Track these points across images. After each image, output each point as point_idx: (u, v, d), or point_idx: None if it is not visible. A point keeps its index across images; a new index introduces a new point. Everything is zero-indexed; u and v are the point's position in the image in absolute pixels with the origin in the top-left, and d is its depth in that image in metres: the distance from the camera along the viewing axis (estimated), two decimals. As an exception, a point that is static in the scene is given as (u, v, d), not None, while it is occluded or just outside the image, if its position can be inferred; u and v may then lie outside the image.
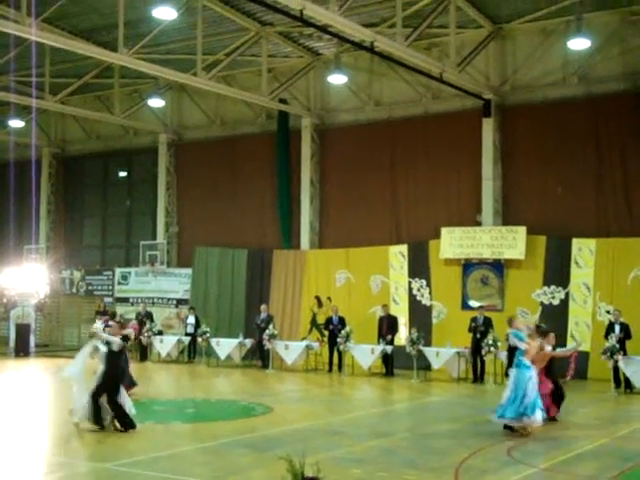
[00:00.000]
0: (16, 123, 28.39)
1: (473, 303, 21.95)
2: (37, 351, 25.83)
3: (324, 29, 19.13)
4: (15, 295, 26.95)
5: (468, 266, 22.30)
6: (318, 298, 24.25)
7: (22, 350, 25.84)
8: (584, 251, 20.86)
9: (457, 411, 15.76)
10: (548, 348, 13.65)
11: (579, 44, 19.40)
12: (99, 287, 29.25)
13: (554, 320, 20.27)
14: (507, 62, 22.84)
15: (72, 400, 12.81)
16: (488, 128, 22.55)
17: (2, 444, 11.60)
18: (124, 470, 9.88)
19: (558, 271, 21.12)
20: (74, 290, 29.87)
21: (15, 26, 17.66)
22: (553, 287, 21.20)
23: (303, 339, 23.21)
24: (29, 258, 29.14)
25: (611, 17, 21.12)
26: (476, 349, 19.98)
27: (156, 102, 26.37)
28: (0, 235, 32.47)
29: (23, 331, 26.26)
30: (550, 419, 13.61)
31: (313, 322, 23.93)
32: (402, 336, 22.16)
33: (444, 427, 13.65)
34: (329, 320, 22.84)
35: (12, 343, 26.34)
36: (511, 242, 21.54)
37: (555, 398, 14.00)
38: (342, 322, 22.38)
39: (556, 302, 21.13)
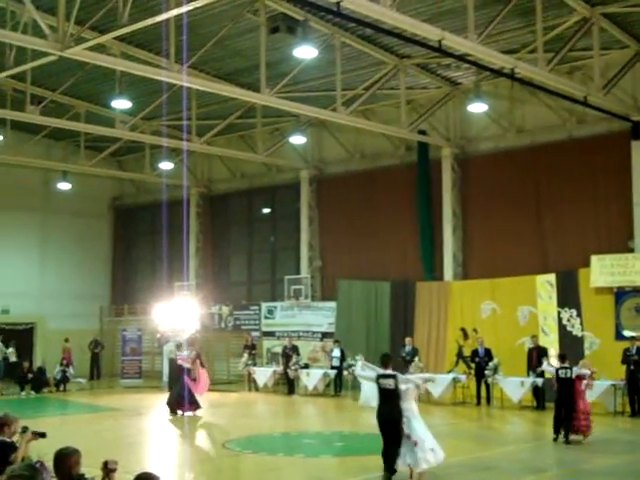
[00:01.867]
0: (166, 165, 29.74)
1: (628, 333, 20.98)
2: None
3: (463, 58, 19.00)
4: (167, 331, 27.91)
5: (621, 294, 21.34)
6: (464, 330, 23.79)
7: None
8: None
9: (614, 447, 15.08)
10: None
11: None
12: (246, 322, 29.90)
13: None
14: (656, 81, 21.99)
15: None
16: (638, 150, 21.67)
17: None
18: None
19: None
20: (222, 325, 30.67)
21: (166, 73, 18.57)
22: None
23: (449, 372, 22.88)
24: (180, 294, 30.15)
25: None
26: (631, 381, 19.09)
27: (297, 139, 26.96)
28: (153, 272, 33.96)
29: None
30: None
31: (459, 354, 23.51)
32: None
33: (601, 462, 13.11)
34: (475, 352, 22.44)
35: (165, 377, 27.34)
36: (667, 269, 20.53)
37: None
38: (488, 354, 22.00)
39: None
